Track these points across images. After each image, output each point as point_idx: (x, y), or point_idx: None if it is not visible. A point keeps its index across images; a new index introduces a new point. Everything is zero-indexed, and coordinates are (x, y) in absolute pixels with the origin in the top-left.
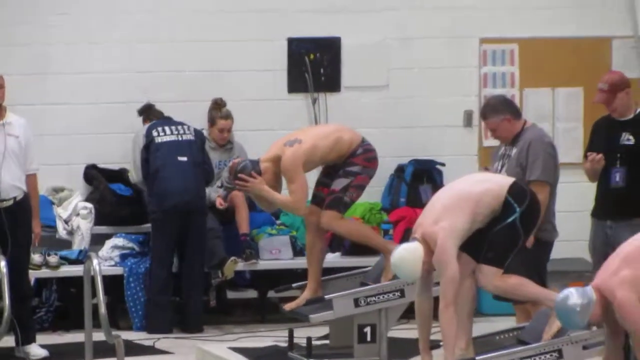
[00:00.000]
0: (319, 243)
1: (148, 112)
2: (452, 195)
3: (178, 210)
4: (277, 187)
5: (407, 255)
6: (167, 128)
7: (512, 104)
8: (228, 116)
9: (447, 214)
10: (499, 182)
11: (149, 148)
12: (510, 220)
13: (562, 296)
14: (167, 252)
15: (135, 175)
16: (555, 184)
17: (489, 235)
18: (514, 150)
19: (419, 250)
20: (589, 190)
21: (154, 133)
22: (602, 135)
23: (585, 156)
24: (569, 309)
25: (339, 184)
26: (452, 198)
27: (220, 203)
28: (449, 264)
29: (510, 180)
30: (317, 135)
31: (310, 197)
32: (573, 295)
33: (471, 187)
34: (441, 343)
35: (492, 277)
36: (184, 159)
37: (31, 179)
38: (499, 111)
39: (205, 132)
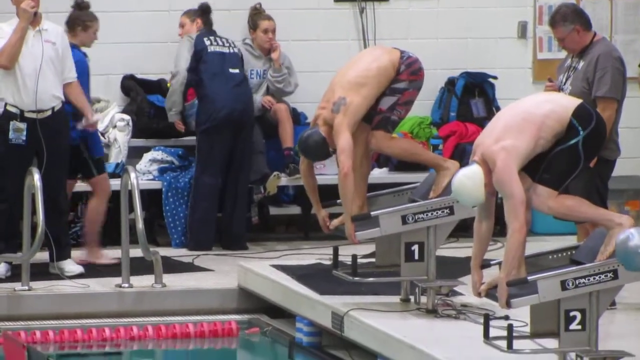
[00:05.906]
0: (364, 159)
1: (206, 17)
2: (515, 115)
3: (230, 120)
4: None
5: (467, 181)
6: (218, 39)
7: (583, 13)
8: (270, 17)
9: (509, 133)
10: (564, 103)
11: (200, 56)
12: (572, 142)
13: (622, 237)
14: (214, 165)
15: (174, 81)
16: (622, 100)
17: (548, 156)
18: (581, 64)
19: (479, 174)
20: None
21: (207, 42)
22: None
23: None
24: (629, 251)
25: (386, 102)
26: (514, 118)
27: (269, 101)
28: (513, 184)
29: (576, 102)
30: (358, 79)
31: None
32: (634, 237)
33: (535, 108)
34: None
35: (547, 198)
36: (236, 71)
37: (73, 87)
38: (569, 20)
39: (248, 40)
